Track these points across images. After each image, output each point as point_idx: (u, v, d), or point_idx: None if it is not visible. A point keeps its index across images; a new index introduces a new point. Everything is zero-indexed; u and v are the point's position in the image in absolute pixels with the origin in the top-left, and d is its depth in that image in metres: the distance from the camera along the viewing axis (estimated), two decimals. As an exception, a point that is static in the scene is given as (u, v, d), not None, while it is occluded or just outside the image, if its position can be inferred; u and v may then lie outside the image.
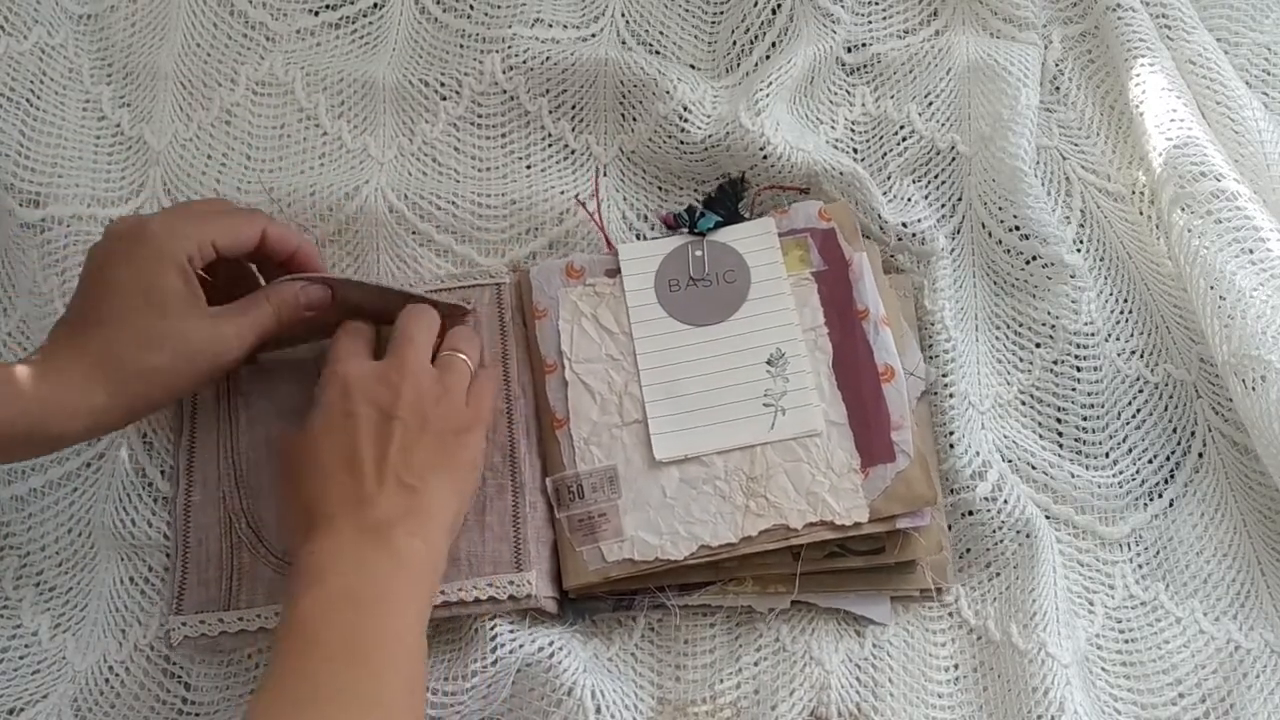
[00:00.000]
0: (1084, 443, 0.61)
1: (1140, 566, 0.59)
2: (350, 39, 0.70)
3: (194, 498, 0.59)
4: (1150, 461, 0.61)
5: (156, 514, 0.59)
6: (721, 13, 0.70)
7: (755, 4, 0.68)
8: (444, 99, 0.67)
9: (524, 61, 0.67)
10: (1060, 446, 0.61)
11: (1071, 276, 0.62)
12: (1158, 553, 0.60)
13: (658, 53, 0.70)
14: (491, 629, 0.54)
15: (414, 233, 0.64)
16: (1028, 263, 0.63)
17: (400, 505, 0.49)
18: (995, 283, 0.65)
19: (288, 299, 0.55)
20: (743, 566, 0.56)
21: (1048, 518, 0.60)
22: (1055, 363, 0.62)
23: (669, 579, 0.56)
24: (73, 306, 0.52)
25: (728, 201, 0.64)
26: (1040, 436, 0.62)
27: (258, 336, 0.54)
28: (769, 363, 0.59)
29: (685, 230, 0.63)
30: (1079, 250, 0.65)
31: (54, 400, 0.49)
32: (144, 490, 0.59)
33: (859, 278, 0.60)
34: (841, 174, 0.63)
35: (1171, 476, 0.61)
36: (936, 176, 0.66)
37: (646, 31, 0.70)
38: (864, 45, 0.70)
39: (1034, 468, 0.61)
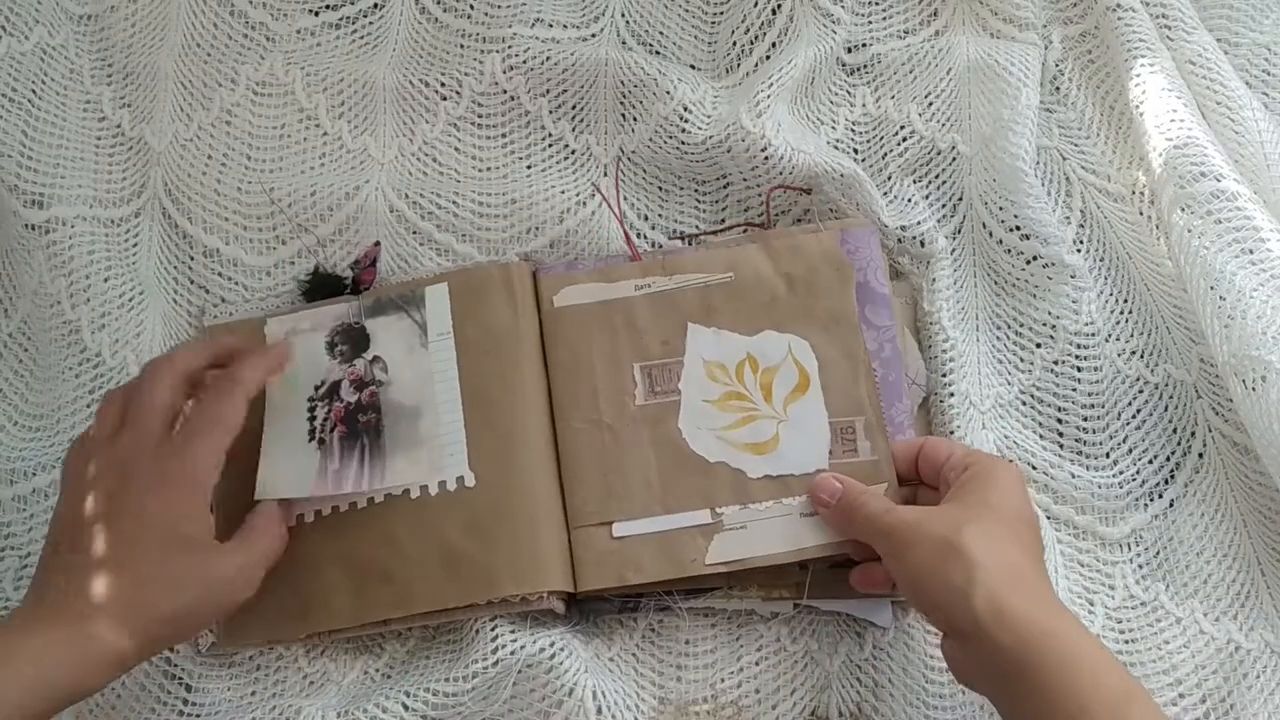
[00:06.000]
0: (1084, 443, 0.61)
1: (1140, 567, 0.59)
2: (350, 39, 0.70)
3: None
4: (1150, 462, 0.61)
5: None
6: (721, 13, 0.70)
7: (755, 4, 0.68)
8: (444, 99, 0.67)
9: (524, 61, 0.67)
10: (1060, 447, 0.61)
11: (1072, 277, 0.62)
12: (1158, 553, 0.60)
13: (658, 53, 0.69)
14: (492, 630, 0.54)
15: (414, 232, 0.64)
16: (1028, 263, 0.63)
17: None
18: (996, 283, 0.65)
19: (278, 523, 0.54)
20: (751, 573, 0.56)
21: (1048, 518, 0.60)
22: (1055, 363, 0.62)
23: (679, 584, 0.56)
24: (76, 538, 0.47)
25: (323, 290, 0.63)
26: (1040, 437, 0.62)
27: (266, 570, 0.52)
28: None
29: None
30: (1079, 250, 0.65)
31: (83, 665, 0.45)
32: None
33: None
34: (842, 175, 0.63)
35: (1171, 477, 0.61)
36: (937, 177, 0.66)
37: (646, 31, 0.70)
38: (864, 45, 0.70)
39: (1034, 468, 0.61)
